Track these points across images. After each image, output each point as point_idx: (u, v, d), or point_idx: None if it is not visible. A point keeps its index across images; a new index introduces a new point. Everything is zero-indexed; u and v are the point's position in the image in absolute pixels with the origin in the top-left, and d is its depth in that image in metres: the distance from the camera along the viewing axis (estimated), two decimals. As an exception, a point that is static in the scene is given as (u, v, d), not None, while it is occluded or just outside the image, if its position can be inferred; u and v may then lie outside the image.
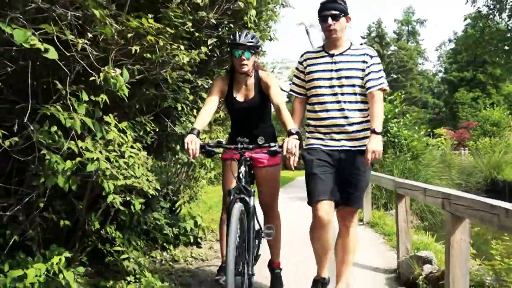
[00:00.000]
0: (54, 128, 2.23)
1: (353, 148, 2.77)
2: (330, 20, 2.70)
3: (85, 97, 2.27)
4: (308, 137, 2.92)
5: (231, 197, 2.54)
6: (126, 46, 2.36)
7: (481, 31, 18.18)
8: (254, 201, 2.68)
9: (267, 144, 2.62)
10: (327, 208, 2.67)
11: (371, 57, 2.81)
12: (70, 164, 2.20)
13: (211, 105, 2.89)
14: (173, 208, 4.52)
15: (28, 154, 2.27)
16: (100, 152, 2.31)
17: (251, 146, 2.66)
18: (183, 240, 4.50)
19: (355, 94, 2.77)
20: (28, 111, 2.10)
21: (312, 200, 2.71)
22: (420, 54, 59.19)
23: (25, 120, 2.12)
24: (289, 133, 2.57)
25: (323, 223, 2.68)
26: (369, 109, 2.76)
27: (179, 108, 3.36)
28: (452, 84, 49.29)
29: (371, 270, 4.09)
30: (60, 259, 2.40)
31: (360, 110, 2.79)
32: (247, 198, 2.60)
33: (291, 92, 3.02)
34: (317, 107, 2.84)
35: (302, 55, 2.98)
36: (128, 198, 2.78)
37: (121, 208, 2.63)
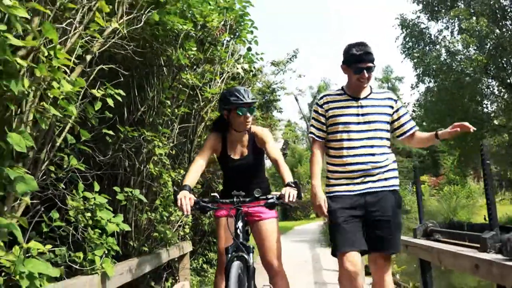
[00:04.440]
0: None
1: (379, 189, 2.68)
2: (366, 73, 2.67)
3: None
4: (332, 184, 2.78)
5: (229, 255, 2.41)
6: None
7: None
8: (254, 259, 2.53)
9: (264, 197, 2.54)
10: (353, 260, 2.56)
11: (395, 101, 2.83)
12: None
13: (201, 162, 2.83)
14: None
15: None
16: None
17: (247, 199, 2.56)
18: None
19: (381, 138, 2.73)
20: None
21: (337, 252, 2.62)
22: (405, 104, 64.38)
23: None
24: (287, 185, 2.54)
25: (350, 275, 2.55)
26: (417, 141, 2.87)
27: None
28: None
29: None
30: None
31: (385, 153, 2.74)
32: (246, 256, 2.44)
33: (311, 135, 2.90)
34: (342, 152, 2.74)
35: (321, 98, 2.89)
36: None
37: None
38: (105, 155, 3.12)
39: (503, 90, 15.69)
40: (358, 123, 2.72)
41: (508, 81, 16.08)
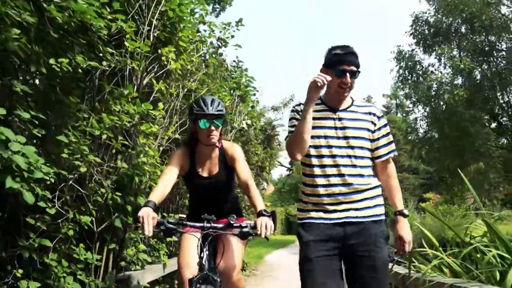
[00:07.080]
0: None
1: (363, 219, 2.26)
2: (349, 77, 2.30)
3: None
4: (305, 209, 2.37)
5: None
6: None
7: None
8: None
9: (238, 225, 2.28)
10: None
11: (379, 118, 2.43)
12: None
13: (169, 179, 2.57)
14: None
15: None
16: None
17: (219, 226, 2.31)
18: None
19: (362, 158, 2.36)
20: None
21: None
22: (409, 124, 65.81)
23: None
24: (260, 214, 2.29)
25: None
26: (384, 183, 2.44)
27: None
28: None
29: None
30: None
31: (369, 175, 2.38)
32: None
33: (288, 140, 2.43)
34: (318, 172, 2.32)
35: (299, 104, 2.46)
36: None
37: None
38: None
39: (487, 122, 17.87)
40: (338, 137, 2.36)
41: (495, 111, 18.07)
